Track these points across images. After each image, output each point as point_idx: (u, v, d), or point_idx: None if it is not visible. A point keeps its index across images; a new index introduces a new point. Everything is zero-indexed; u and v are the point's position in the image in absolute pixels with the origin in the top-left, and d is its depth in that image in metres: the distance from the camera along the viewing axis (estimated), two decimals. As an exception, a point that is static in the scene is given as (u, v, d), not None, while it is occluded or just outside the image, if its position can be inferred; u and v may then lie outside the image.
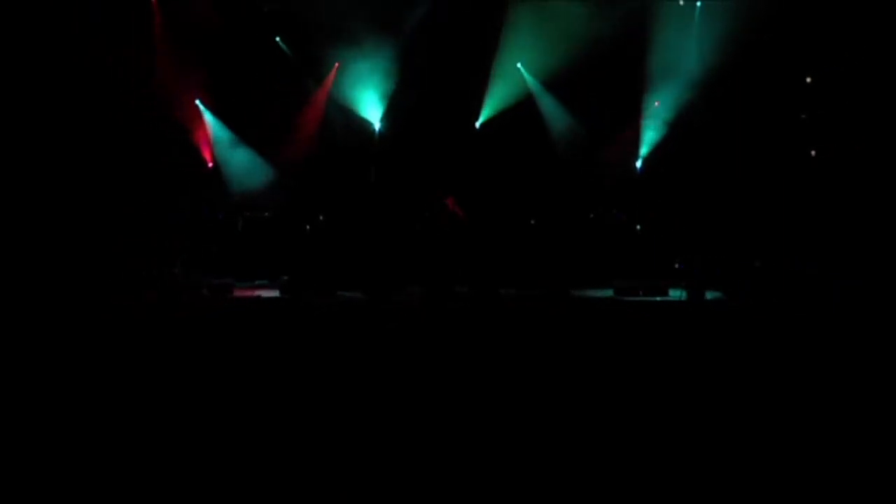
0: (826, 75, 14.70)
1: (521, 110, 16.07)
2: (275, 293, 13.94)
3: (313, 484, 4.69)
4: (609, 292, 14.41)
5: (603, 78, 15.49)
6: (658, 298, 14.04)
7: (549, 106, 16.18)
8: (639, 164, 16.13)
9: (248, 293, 14.10)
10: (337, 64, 15.98)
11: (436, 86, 15.66)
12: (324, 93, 16.20)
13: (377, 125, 16.21)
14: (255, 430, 5.63)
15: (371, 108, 16.13)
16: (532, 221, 15.77)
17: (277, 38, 16.06)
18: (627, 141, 16.07)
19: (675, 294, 14.11)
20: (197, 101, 15.88)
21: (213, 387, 6.97)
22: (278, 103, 15.96)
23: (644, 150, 16.10)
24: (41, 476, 4.81)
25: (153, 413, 6.06)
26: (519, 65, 16.08)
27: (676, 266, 14.93)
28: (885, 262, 13.19)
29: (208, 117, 15.97)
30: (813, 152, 14.91)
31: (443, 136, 15.92)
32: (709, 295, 13.74)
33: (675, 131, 15.70)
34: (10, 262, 13.16)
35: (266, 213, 15.83)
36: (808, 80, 14.92)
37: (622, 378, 7.38)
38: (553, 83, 15.99)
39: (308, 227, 15.76)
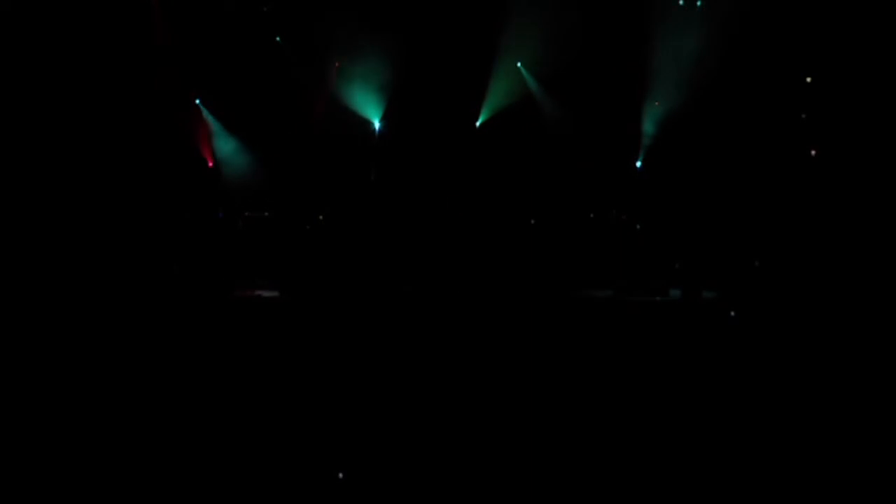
0: (826, 75, 14.68)
1: (522, 110, 16.06)
2: (274, 293, 13.94)
3: (312, 482, 4.68)
4: (609, 292, 14.40)
5: (603, 77, 15.49)
6: (658, 298, 14.04)
7: (548, 105, 16.18)
8: (639, 163, 16.13)
9: (248, 293, 14.10)
10: (337, 64, 15.97)
11: (436, 86, 15.65)
12: (324, 93, 16.18)
13: (377, 125, 16.21)
14: (255, 429, 5.62)
15: (371, 108, 16.13)
16: (532, 221, 15.76)
17: (278, 38, 16.05)
18: (627, 140, 16.05)
19: (676, 294, 14.13)
20: (197, 101, 15.88)
21: (212, 386, 6.95)
22: (278, 103, 15.95)
23: (644, 150, 16.08)
24: (40, 473, 4.80)
25: (153, 412, 6.05)
26: (519, 65, 16.07)
27: (676, 266, 14.93)
28: (886, 263, 13.17)
29: (208, 117, 15.96)
30: (813, 152, 14.90)
31: (443, 136, 15.91)
32: (707, 295, 13.75)
33: (675, 131, 15.68)
34: (10, 261, 13.16)
35: (266, 213, 15.83)
36: (808, 80, 14.91)
37: (621, 377, 7.37)
38: (553, 82, 15.98)
39: (308, 227, 15.75)
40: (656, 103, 15.81)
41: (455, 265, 14.61)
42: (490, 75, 15.95)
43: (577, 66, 15.41)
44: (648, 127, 15.92)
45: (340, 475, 4.90)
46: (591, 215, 15.97)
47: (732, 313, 12.51)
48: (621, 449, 5.37)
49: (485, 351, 8.75)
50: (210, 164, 16.02)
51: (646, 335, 9.98)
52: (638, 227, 15.78)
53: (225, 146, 16.00)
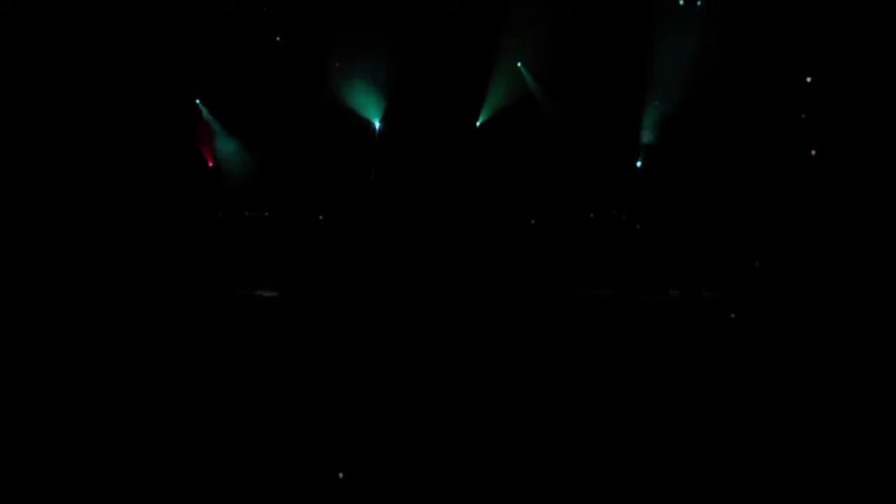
0: (826, 75, 14.68)
1: (522, 110, 16.06)
2: (274, 293, 13.95)
3: (312, 482, 4.68)
4: (609, 292, 14.40)
5: (603, 77, 15.49)
6: (658, 299, 14.05)
7: (548, 105, 16.18)
8: (639, 163, 16.13)
9: (248, 293, 14.12)
10: (337, 64, 15.97)
11: (436, 86, 15.66)
12: (324, 93, 16.18)
13: (377, 125, 16.21)
14: (255, 429, 5.62)
15: (371, 108, 16.13)
16: (532, 221, 15.77)
17: (277, 38, 16.06)
18: (627, 140, 16.06)
19: (676, 294, 14.14)
20: (197, 101, 15.89)
21: (212, 386, 6.95)
22: (278, 103, 15.96)
23: (644, 150, 16.08)
24: (40, 473, 4.80)
25: (152, 412, 6.05)
26: (519, 65, 16.08)
27: (676, 267, 14.93)
28: (886, 263, 13.17)
29: (208, 117, 15.97)
30: (813, 152, 14.90)
31: (443, 136, 15.91)
32: (707, 295, 13.76)
33: (676, 131, 15.69)
34: (10, 261, 13.16)
35: (266, 213, 15.84)
36: (808, 80, 14.91)
37: (621, 377, 7.37)
38: (553, 82, 15.98)
39: (307, 227, 15.76)
40: (656, 103, 15.81)
41: (455, 265, 14.61)
42: (490, 75, 15.96)
43: (577, 66, 15.41)
44: (648, 126, 15.92)
45: (340, 475, 4.91)
46: (591, 215, 15.97)
47: (733, 315, 12.52)
48: (622, 449, 5.37)
49: (485, 351, 8.75)
50: (210, 164, 16.02)
51: (646, 335, 9.99)
52: (638, 227, 15.78)
53: (225, 146, 16.01)
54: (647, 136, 15.96)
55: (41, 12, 14.40)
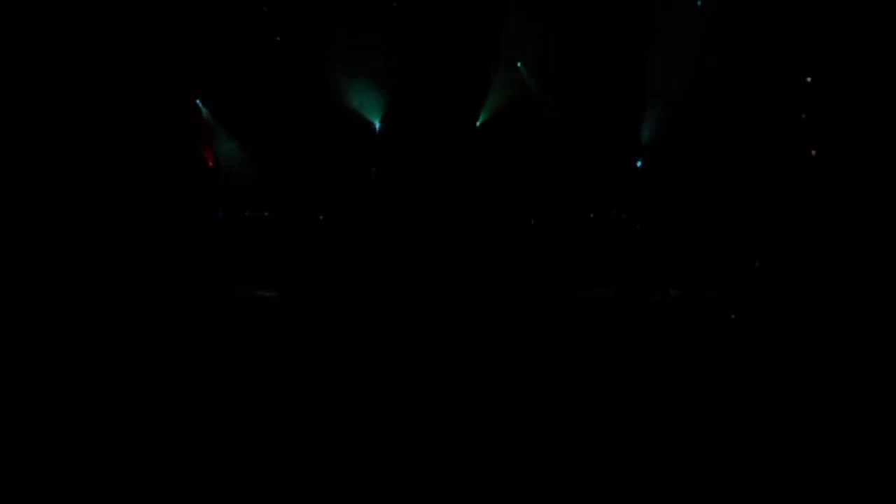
0: (826, 75, 14.69)
1: (522, 110, 16.06)
2: (274, 293, 13.95)
3: (312, 482, 4.68)
4: (609, 293, 14.40)
5: (603, 77, 15.50)
6: (658, 299, 14.04)
7: (548, 105, 16.18)
8: (639, 163, 16.12)
9: (248, 293, 14.11)
10: (337, 64, 15.97)
11: (436, 86, 15.67)
12: (324, 92, 16.18)
13: (377, 125, 16.21)
14: (255, 429, 5.62)
15: (371, 108, 16.13)
16: (532, 221, 15.77)
17: (277, 38, 16.06)
18: (627, 140, 16.05)
19: (676, 294, 14.14)
20: (197, 101, 15.89)
21: (212, 386, 6.96)
22: (278, 103, 15.96)
23: (644, 150, 16.07)
24: (40, 473, 4.80)
25: (152, 412, 6.05)
26: (519, 65, 16.08)
27: (677, 267, 14.91)
28: (887, 263, 13.17)
29: (208, 117, 15.96)
30: (813, 152, 14.91)
31: (443, 136, 15.92)
32: (706, 295, 13.75)
33: (676, 130, 15.68)
34: (9, 261, 13.17)
35: (266, 213, 15.84)
36: (808, 80, 14.92)
37: (621, 377, 7.37)
38: (553, 82, 15.98)
39: (307, 227, 15.77)
40: (656, 103, 15.80)
41: (455, 265, 14.62)
42: (490, 75, 15.96)
43: (577, 66, 15.42)
44: (649, 126, 15.91)
45: (340, 475, 4.91)
46: (591, 215, 15.97)
47: (733, 315, 12.51)
48: (622, 449, 5.37)
49: (485, 351, 8.75)
50: (210, 164, 16.02)
51: (646, 335, 9.99)
52: (638, 227, 15.77)
53: (225, 146, 16.01)
54: (647, 136, 15.95)
55: (41, 12, 14.40)
